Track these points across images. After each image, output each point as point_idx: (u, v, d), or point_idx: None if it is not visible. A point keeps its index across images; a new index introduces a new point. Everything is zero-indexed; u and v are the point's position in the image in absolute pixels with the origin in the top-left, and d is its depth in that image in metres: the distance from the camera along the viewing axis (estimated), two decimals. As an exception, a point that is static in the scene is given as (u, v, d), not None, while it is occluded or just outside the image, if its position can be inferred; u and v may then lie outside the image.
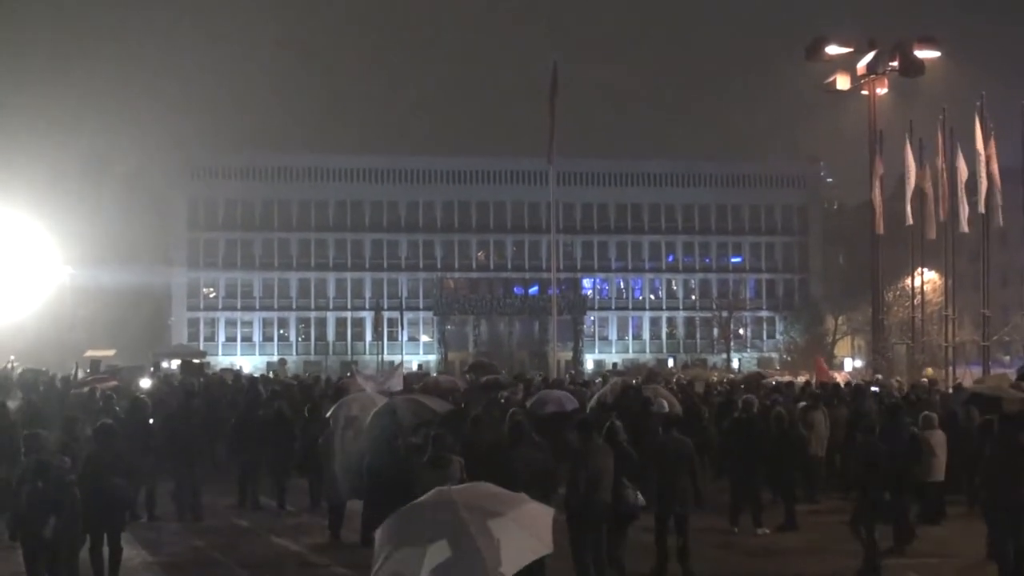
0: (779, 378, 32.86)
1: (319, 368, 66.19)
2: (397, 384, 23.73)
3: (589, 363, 77.36)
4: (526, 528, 6.28)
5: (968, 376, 35.27)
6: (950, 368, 37.70)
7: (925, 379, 30.19)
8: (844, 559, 14.24)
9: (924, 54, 42.02)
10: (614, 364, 64.73)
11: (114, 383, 26.37)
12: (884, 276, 45.32)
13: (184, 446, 17.22)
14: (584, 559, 11.47)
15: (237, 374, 39.96)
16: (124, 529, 12.51)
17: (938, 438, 16.17)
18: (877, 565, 13.13)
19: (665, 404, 19.60)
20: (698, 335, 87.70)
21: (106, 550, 12.09)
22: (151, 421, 17.83)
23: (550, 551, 6.41)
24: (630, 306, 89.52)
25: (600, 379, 32.69)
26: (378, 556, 6.27)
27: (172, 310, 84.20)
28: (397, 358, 71.17)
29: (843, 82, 44.21)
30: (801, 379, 34.15)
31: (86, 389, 23.65)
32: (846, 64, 44.19)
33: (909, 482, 14.74)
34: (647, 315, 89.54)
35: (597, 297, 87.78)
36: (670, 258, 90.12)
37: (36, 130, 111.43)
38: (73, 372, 32.56)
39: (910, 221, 40.03)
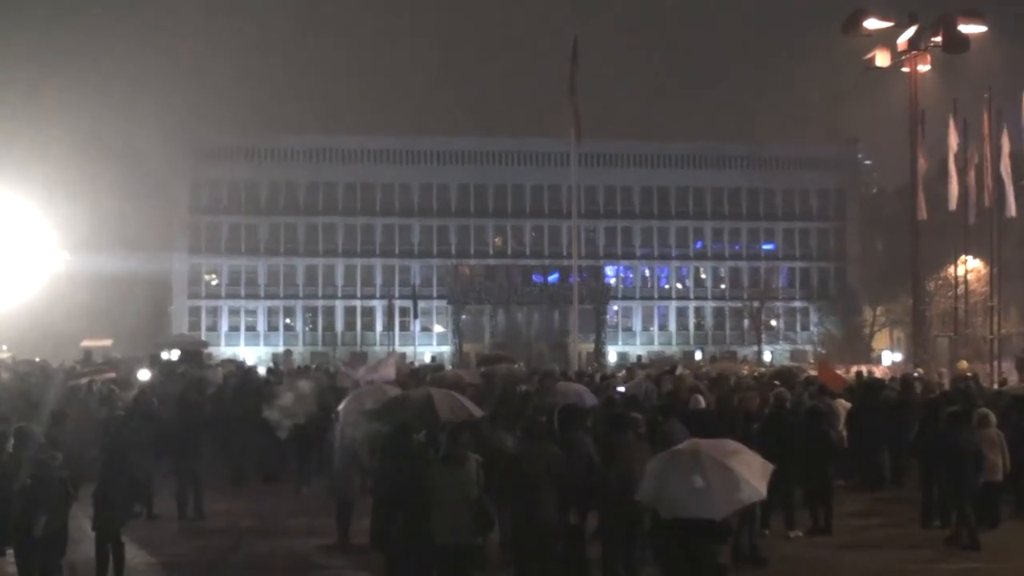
0: (813, 372, 32.67)
1: (326, 360, 66.35)
2: (389, 374, 23.81)
3: (612, 355, 77.29)
4: (751, 474, 8.38)
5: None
6: (995, 362, 37.56)
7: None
8: (882, 564, 14.27)
9: (969, 28, 41.63)
10: (638, 357, 64.40)
11: (112, 375, 26.55)
12: (925, 264, 45.10)
13: (185, 441, 17.38)
14: (615, 566, 11.53)
15: (239, 366, 40.02)
16: (124, 526, 12.68)
17: (993, 436, 16.15)
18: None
19: (701, 400, 19.69)
20: (727, 326, 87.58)
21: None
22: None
23: (763, 497, 8.59)
24: (656, 295, 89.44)
25: (624, 372, 32.66)
26: (643, 484, 8.98)
27: (173, 298, 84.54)
28: (409, 349, 71.28)
29: (882, 59, 43.83)
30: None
31: (83, 381, 23.82)
32: (886, 39, 43.81)
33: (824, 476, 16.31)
34: (673, 305, 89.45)
35: (621, 286, 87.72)
36: (698, 245, 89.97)
37: (30, 109, 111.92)
38: (60, 364, 32.82)
39: (953, 206, 39.83)
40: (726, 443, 9.43)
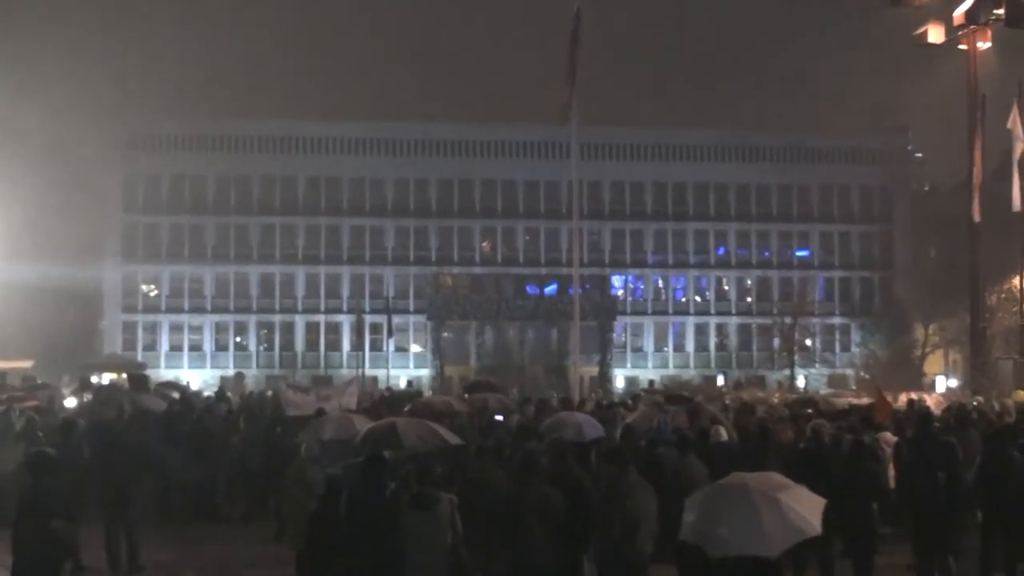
0: (854, 400, 32.66)
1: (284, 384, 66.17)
2: (349, 402, 23.88)
3: (619, 380, 77.31)
4: (805, 508, 9.14)
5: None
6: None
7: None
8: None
9: (1037, -1, 41.90)
10: (650, 382, 64.56)
11: (33, 403, 26.48)
12: (985, 274, 45.22)
13: (115, 480, 17.26)
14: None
15: (183, 391, 39.90)
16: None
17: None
18: None
19: (723, 432, 19.74)
20: (754, 347, 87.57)
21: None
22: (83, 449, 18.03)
23: (819, 534, 9.10)
24: (670, 310, 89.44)
25: (631, 400, 32.70)
26: (684, 521, 9.24)
27: (104, 312, 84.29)
28: (381, 373, 71.30)
29: (936, 34, 44.07)
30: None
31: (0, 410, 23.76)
32: (940, 12, 44.09)
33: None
34: (691, 321, 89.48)
35: (629, 299, 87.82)
36: (720, 251, 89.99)
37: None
38: None
39: (1017, 206, 39.95)
40: (772, 475, 9.97)
